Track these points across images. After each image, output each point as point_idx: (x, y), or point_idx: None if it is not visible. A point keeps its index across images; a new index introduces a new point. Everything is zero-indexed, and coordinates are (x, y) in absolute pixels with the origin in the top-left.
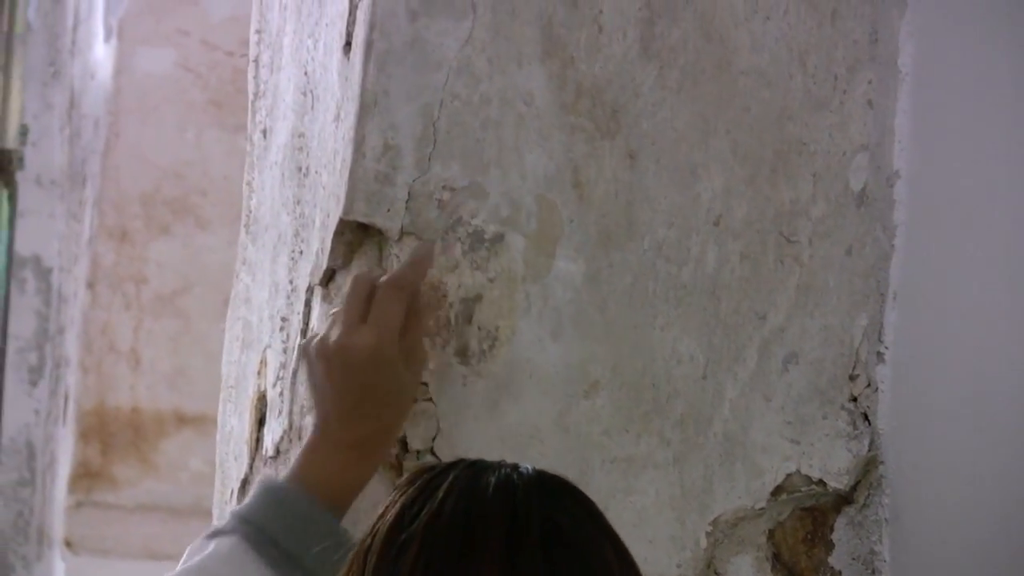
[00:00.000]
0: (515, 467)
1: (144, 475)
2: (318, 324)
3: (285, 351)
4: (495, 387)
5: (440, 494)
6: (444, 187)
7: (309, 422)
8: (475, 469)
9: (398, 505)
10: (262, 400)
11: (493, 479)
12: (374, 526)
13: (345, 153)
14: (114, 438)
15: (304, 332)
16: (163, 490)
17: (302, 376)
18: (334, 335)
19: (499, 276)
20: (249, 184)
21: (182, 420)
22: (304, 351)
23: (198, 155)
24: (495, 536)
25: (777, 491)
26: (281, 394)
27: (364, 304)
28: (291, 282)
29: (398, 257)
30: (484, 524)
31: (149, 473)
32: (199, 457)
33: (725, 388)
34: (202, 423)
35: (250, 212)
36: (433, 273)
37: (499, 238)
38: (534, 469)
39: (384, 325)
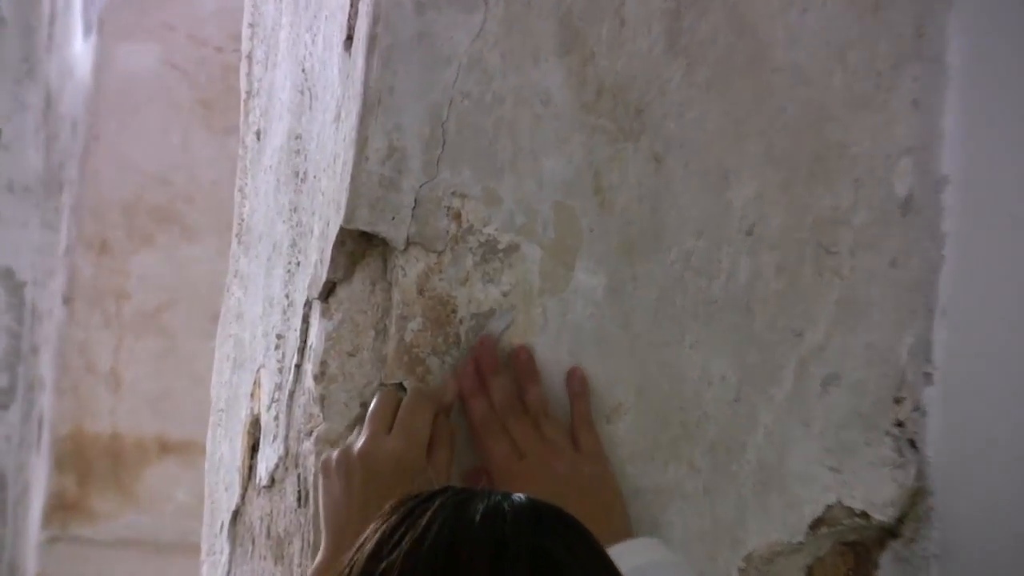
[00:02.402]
0: (506, 495)
1: (125, 507)
2: (317, 342)
3: (281, 371)
4: None
5: (423, 522)
6: (454, 193)
7: (307, 448)
8: (462, 497)
9: (378, 534)
10: (255, 425)
11: (481, 506)
12: (352, 557)
13: (346, 156)
14: (92, 467)
15: (302, 350)
16: (145, 524)
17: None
18: (357, 445)
19: (513, 290)
20: (241, 190)
21: (166, 447)
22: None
23: (185, 159)
24: (480, 564)
25: (816, 524)
26: (276, 418)
27: (390, 416)
28: (287, 296)
29: (403, 269)
30: (469, 552)
31: (130, 505)
32: (185, 488)
33: (759, 412)
34: (188, 451)
35: (242, 220)
36: (440, 286)
37: (513, 248)
38: (527, 498)
39: (410, 432)
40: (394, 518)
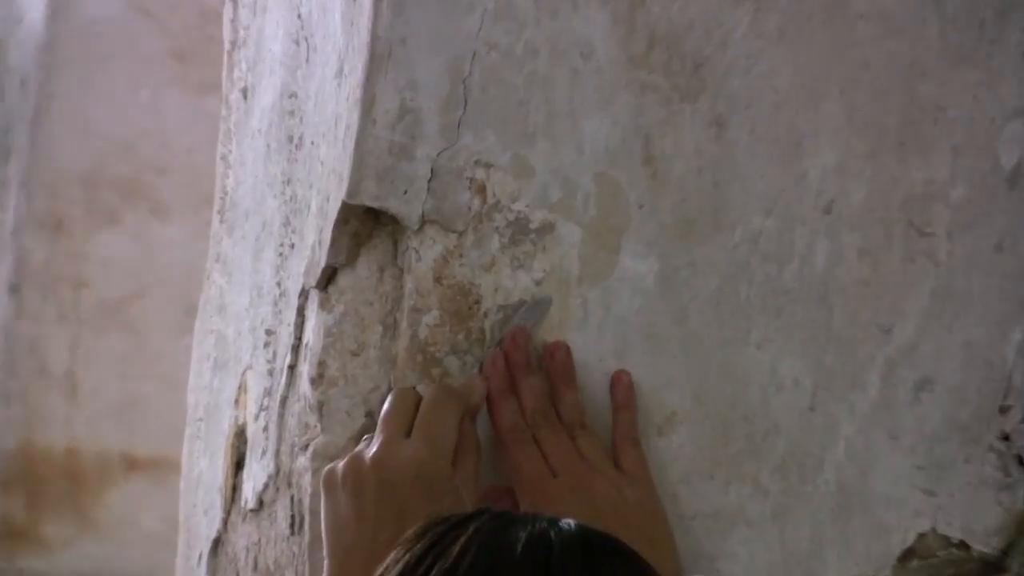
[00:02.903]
0: (552, 521)
1: (83, 535)
2: (314, 339)
3: (271, 373)
4: None
5: (455, 550)
6: (477, 162)
7: (302, 464)
8: (501, 522)
9: (400, 564)
10: (241, 436)
11: (524, 534)
12: None
13: (350, 119)
14: (44, 487)
15: (296, 349)
16: (107, 554)
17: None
18: (369, 452)
19: (548, 277)
20: (224, 159)
21: (133, 464)
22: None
23: (155, 122)
24: None
25: (906, 556)
26: (266, 428)
27: (408, 417)
28: (279, 285)
29: (417, 252)
30: None
31: (89, 532)
32: (154, 512)
33: (839, 423)
34: (159, 468)
35: (225, 195)
36: (461, 272)
37: (548, 228)
38: (577, 524)
39: (434, 436)
40: (420, 545)
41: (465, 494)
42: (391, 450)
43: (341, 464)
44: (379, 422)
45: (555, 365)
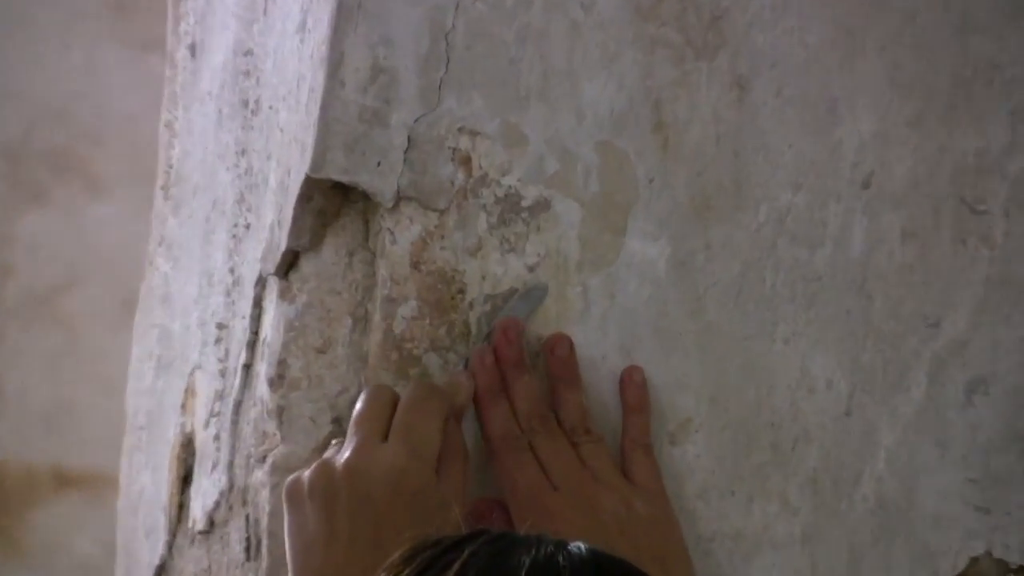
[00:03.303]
0: (560, 545)
1: (5, 561)
2: (273, 334)
3: (223, 374)
4: None
5: None
6: (461, 130)
7: (259, 478)
8: (501, 545)
9: None
10: (188, 447)
11: (527, 559)
12: None
13: (314, 80)
14: None
15: (252, 346)
16: None
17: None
18: (340, 459)
19: (543, 262)
20: (169, 126)
21: (64, 480)
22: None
23: (89, 84)
24: None
25: None
26: (217, 437)
27: (384, 418)
28: (232, 271)
29: (392, 234)
30: None
31: (14, 558)
32: (88, 534)
33: (879, 430)
34: (94, 484)
35: (170, 168)
36: (443, 256)
37: (543, 206)
38: (588, 548)
39: (414, 440)
40: (408, 572)
41: (453, 507)
42: (366, 456)
43: (307, 473)
44: (351, 424)
45: (556, 361)
